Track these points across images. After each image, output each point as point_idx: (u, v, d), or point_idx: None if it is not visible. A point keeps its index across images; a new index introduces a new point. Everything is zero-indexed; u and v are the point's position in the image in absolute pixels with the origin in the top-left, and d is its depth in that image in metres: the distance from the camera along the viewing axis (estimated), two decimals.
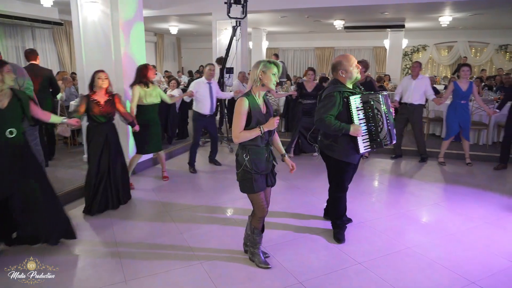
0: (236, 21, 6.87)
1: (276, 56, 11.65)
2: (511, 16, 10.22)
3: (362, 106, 3.10)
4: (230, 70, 6.97)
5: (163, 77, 11.83)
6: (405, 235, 3.58)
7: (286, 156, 2.96)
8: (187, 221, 3.82)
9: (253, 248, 3.01)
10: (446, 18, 10.25)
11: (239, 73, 8.31)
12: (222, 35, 9.30)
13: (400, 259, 3.13)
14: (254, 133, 2.63)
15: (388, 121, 3.19)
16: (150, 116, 4.63)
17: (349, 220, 3.78)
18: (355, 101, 3.07)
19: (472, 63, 14.32)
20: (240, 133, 2.62)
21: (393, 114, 3.38)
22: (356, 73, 3.13)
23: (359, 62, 3.84)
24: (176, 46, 17.97)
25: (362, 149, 3.13)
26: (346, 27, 12.05)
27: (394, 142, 3.31)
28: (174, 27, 12.84)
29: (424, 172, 5.66)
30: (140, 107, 4.55)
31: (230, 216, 4.02)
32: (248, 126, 2.63)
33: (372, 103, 3.10)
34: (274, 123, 2.67)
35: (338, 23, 11.56)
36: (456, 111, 5.65)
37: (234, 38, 7.04)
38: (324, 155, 3.36)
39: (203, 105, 5.39)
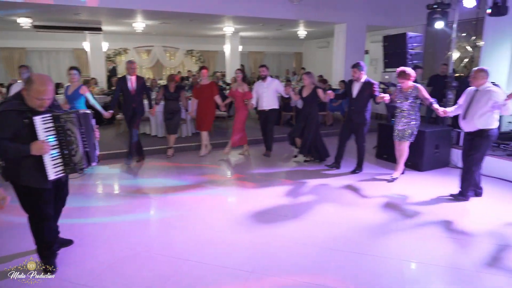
0: None
1: None
2: (191, 26, 12.33)
3: (52, 128, 2.73)
4: None
5: None
6: (128, 238, 3.69)
7: None
8: None
9: None
10: (139, 24, 11.06)
11: None
12: None
13: (124, 265, 3.21)
14: None
15: (85, 143, 2.97)
16: None
17: (70, 242, 3.50)
18: (42, 122, 2.67)
19: (168, 65, 16.35)
20: None
21: (97, 134, 3.23)
22: (33, 102, 2.66)
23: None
24: None
25: (52, 175, 2.75)
26: (35, 26, 10.71)
27: (95, 164, 3.15)
28: None
29: (146, 171, 6.04)
30: None
31: None
32: None
33: (63, 124, 2.78)
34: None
35: (24, 21, 10.06)
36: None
37: None
38: (10, 181, 2.82)
39: None
